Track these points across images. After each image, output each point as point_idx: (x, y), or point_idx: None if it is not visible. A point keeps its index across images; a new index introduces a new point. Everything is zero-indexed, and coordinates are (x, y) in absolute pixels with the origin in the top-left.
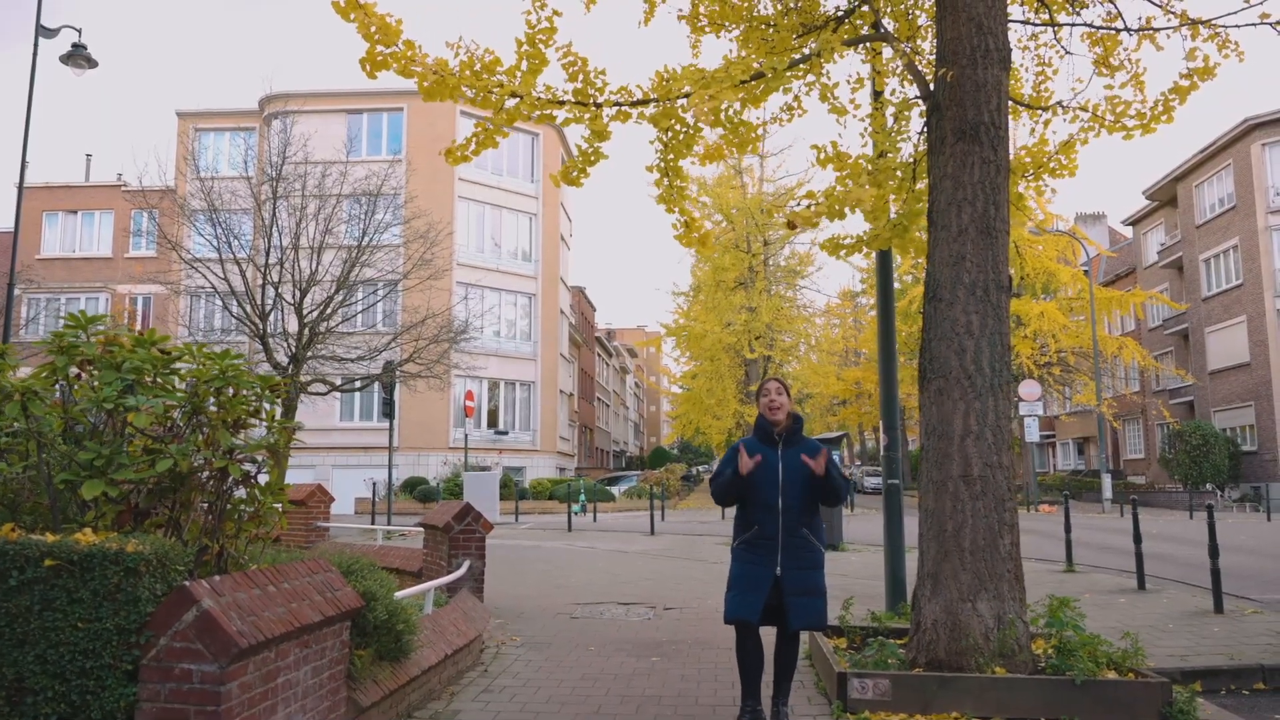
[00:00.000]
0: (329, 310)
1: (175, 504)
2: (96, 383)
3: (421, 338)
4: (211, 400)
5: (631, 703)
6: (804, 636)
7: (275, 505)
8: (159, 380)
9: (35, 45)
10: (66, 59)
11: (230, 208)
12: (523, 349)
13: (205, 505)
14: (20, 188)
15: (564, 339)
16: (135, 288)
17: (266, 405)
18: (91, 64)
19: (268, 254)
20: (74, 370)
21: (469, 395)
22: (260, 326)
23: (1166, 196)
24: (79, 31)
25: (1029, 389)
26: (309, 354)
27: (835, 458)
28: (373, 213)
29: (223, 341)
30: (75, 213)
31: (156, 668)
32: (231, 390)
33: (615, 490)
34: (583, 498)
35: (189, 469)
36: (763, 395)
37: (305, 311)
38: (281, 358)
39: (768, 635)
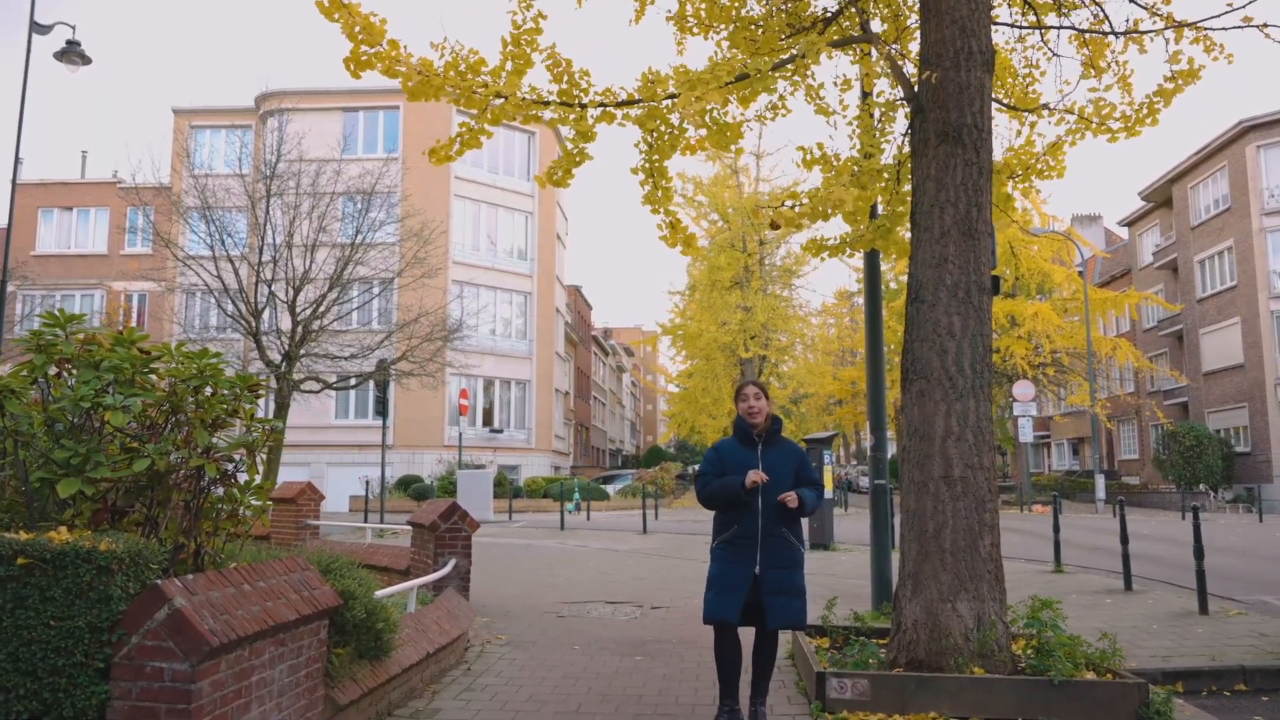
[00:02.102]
0: (322, 308)
1: (153, 502)
2: (75, 381)
3: (415, 336)
4: (190, 399)
5: (611, 701)
6: (786, 636)
7: (254, 503)
8: (137, 379)
9: (29, 42)
10: (60, 55)
11: (225, 205)
12: (518, 347)
13: (183, 504)
14: (14, 183)
15: (560, 337)
16: (130, 285)
17: (245, 404)
18: (85, 60)
19: (261, 251)
20: (53, 369)
21: (463, 394)
22: (253, 324)
23: (1162, 198)
24: (73, 28)
25: (1023, 389)
26: (302, 352)
27: (827, 458)
28: (367, 211)
29: (217, 339)
30: (70, 209)
31: (128, 666)
32: (209, 389)
33: (610, 489)
34: (577, 496)
35: (166, 468)
36: (741, 400)
37: (299, 309)
38: (275, 355)
39: (747, 635)
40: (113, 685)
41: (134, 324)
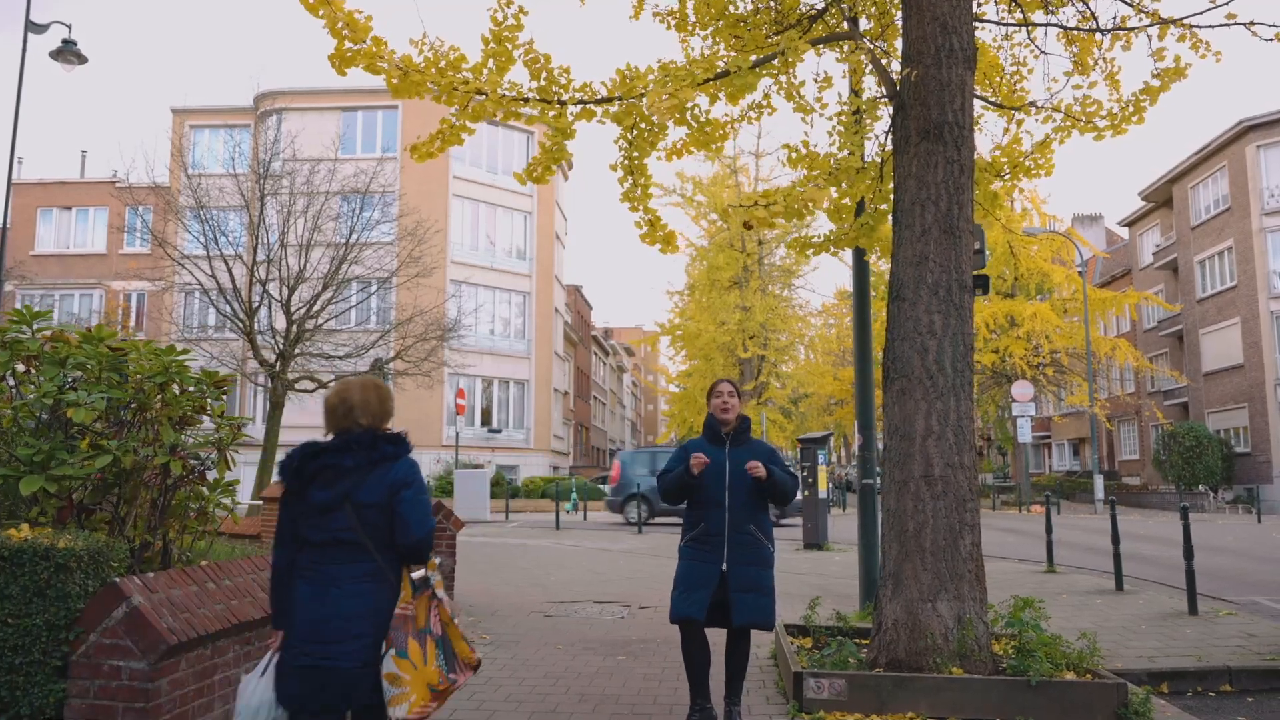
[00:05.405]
0: (317, 307)
1: (119, 500)
2: (42, 378)
3: (409, 335)
4: (157, 397)
5: (589, 701)
6: (768, 636)
7: (224, 502)
8: (105, 376)
9: (24, 41)
10: (56, 54)
11: (220, 205)
12: (516, 347)
13: (150, 501)
14: (9, 182)
15: (559, 337)
16: (129, 284)
17: (212, 401)
18: (81, 59)
19: (255, 251)
20: (20, 366)
21: (460, 393)
22: (248, 323)
23: (1162, 198)
24: (69, 27)
25: (1021, 389)
26: (297, 351)
27: (821, 458)
28: (362, 209)
29: (213, 339)
30: (69, 209)
31: (86, 664)
32: (176, 387)
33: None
34: (574, 496)
35: (132, 465)
36: (715, 396)
37: (293, 309)
38: (270, 355)
39: (721, 635)
40: (70, 683)
41: (132, 324)
